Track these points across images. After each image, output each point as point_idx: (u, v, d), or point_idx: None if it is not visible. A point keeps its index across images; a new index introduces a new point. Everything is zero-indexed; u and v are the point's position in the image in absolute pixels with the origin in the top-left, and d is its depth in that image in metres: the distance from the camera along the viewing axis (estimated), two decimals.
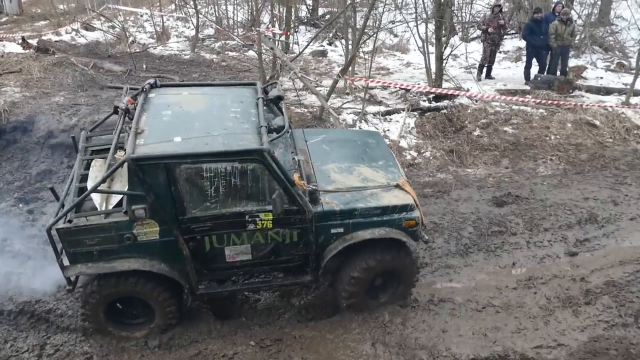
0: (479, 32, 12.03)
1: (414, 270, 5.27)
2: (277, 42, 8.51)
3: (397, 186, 5.14)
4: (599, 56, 14.68)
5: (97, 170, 4.90)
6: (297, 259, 4.94)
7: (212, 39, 15.42)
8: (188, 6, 16.28)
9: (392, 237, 4.89)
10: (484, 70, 11.91)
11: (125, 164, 4.18)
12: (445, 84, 10.61)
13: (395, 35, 16.24)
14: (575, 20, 16.55)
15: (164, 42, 14.64)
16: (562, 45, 11.04)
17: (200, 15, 14.38)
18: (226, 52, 13.79)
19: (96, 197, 4.59)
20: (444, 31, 10.73)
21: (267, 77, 8.03)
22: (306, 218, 4.65)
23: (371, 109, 9.57)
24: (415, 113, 9.65)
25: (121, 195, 4.54)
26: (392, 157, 5.85)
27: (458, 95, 10.05)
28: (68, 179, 5.16)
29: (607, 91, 10.80)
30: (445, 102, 9.93)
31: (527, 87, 10.91)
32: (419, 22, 11.22)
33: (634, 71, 12.96)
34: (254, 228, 4.60)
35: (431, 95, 10.04)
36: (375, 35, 10.58)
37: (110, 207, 4.58)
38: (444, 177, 8.21)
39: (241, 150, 4.35)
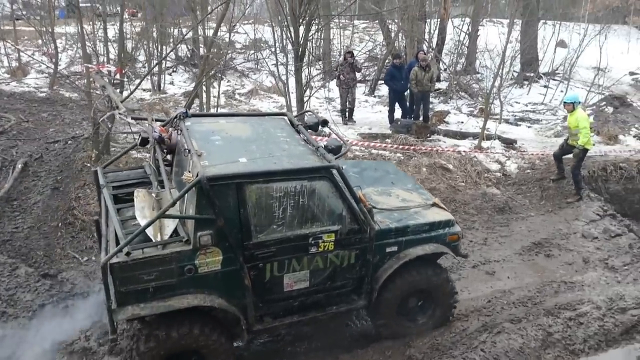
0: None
1: (450, 289, 5.11)
2: (111, 80, 7.53)
3: (434, 204, 5.23)
4: (465, 102, 15.18)
5: (141, 200, 4.26)
6: (352, 284, 4.71)
7: (78, 76, 14.11)
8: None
9: (441, 251, 4.93)
10: (347, 113, 11.70)
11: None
12: None
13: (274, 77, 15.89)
14: (446, 68, 17.28)
15: (19, 78, 13.14)
16: (422, 90, 11.11)
17: (64, 51, 13.12)
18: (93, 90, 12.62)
19: (149, 229, 3.97)
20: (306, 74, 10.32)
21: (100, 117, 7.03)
22: (365, 237, 4.49)
23: None
24: None
25: (174, 227, 4.05)
26: (415, 181, 5.99)
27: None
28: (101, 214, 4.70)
29: (463, 135, 10.93)
30: None
31: (389, 131, 10.75)
32: (279, 63, 10.78)
33: (495, 116, 13.49)
34: (316, 251, 4.36)
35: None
36: (217, 72, 9.99)
37: (166, 238, 4.03)
38: None
39: (313, 168, 4.21)
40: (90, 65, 7.70)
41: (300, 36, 9.61)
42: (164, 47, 15.36)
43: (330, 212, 4.35)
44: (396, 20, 15.80)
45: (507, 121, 12.87)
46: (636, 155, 9.58)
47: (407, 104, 11.66)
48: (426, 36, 16.48)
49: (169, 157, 5.04)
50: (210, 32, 15.63)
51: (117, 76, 7.76)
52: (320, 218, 4.33)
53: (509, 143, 10.73)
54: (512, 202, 8.58)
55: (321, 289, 4.58)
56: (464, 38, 17.05)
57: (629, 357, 4.95)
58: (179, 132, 4.72)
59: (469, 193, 8.80)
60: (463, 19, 17.56)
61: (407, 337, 4.93)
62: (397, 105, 11.57)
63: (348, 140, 6.39)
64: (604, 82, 16.43)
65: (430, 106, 14.54)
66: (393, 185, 5.57)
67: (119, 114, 6.71)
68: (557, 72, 17.77)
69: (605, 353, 5.11)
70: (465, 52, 17.54)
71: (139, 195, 4.33)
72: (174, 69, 16.40)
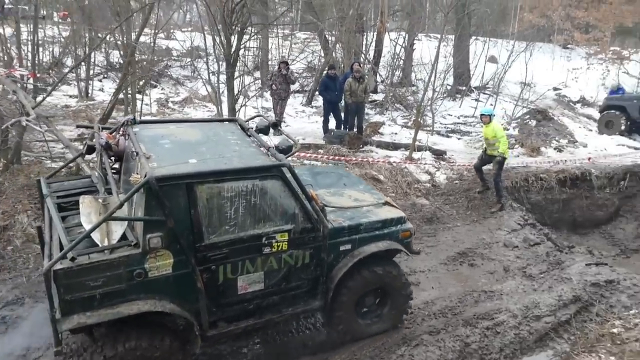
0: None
1: (405, 286, 5.14)
2: (24, 85, 7.04)
3: (386, 203, 5.32)
4: (400, 113, 15.43)
5: (87, 206, 4.09)
6: (307, 284, 4.64)
7: None
8: None
9: (394, 248, 4.96)
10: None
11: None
12: None
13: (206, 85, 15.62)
14: (382, 80, 17.54)
15: None
16: (356, 101, 11.14)
17: None
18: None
19: (96, 234, 3.80)
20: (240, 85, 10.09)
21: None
22: (319, 236, 4.46)
23: None
24: None
25: (122, 231, 3.88)
26: (366, 183, 6.10)
27: None
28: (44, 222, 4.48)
29: (395, 146, 11.05)
30: None
31: (323, 142, 10.70)
32: (210, 71, 10.52)
33: (427, 128, 13.76)
34: (269, 251, 4.28)
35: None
36: (149, 79, 9.63)
37: (113, 242, 3.84)
38: None
39: (264, 166, 4.18)
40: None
41: (233, 44, 9.42)
42: (94, 52, 14.71)
43: (282, 212, 4.30)
44: (334, 32, 15.90)
45: (438, 133, 13.19)
46: (555, 167, 10.01)
47: (342, 114, 11.65)
48: (363, 48, 16.69)
49: (117, 165, 4.92)
50: (145, 39, 15.15)
51: (31, 80, 7.26)
52: (273, 218, 4.27)
53: (439, 154, 10.95)
54: (439, 213, 8.70)
55: (276, 291, 4.49)
56: (400, 51, 17.40)
57: None
58: (127, 137, 4.58)
59: (398, 203, 8.66)
60: (400, 33, 17.94)
61: (324, 352, 4.79)
62: (331, 115, 11.53)
63: (298, 140, 6.37)
64: (530, 96, 17.21)
65: (366, 117, 14.68)
66: (345, 186, 5.60)
67: (27, 120, 6.31)
68: (487, 86, 18.47)
69: None
70: (402, 65, 17.93)
71: (85, 201, 4.16)
72: (105, 75, 15.71)
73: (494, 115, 9.04)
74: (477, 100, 17.24)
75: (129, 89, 9.52)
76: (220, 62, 9.81)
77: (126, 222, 3.96)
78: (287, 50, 17.02)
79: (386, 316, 5.21)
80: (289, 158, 4.53)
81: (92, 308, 3.66)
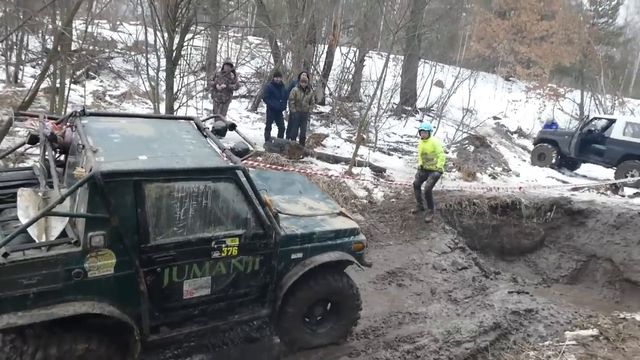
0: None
1: (355, 297, 5.10)
2: None
3: (341, 213, 5.30)
4: (345, 127, 15.42)
5: (26, 199, 3.69)
6: (255, 292, 4.51)
7: None
8: None
9: (346, 259, 4.91)
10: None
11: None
12: None
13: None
14: (330, 93, 17.51)
15: None
16: (300, 111, 10.98)
17: None
18: None
19: (33, 229, 3.51)
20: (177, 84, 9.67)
21: None
22: (271, 243, 4.38)
23: None
24: None
25: (63, 228, 3.62)
26: (321, 192, 6.09)
27: None
28: None
29: (336, 160, 10.95)
30: None
31: (262, 149, 10.43)
32: (149, 66, 10.03)
33: (370, 144, 13.78)
34: (219, 256, 4.13)
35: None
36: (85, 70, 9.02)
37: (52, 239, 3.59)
38: None
39: (217, 168, 4.05)
40: None
41: (175, 41, 9.03)
42: (28, 36, 13.82)
43: (234, 216, 4.18)
44: (286, 40, 15.74)
45: (380, 150, 13.25)
46: (488, 193, 10.23)
47: (285, 123, 11.45)
48: (314, 59, 16.62)
49: (61, 158, 4.65)
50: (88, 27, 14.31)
51: None
52: (224, 221, 4.14)
53: (378, 171, 10.94)
54: (374, 230, 8.63)
55: (223, 297, 4.33)
56: (349, 66, 17.47)
57: None
58: (74, 129, 4.35)
59: None
60: (351, 48, 18.04)
61: None
62: (274, 124, 11.30)
63: (255, 144, 6.24)
64: (471, 122, 17.73)
65: (310, 128, 14.56)
66: (300, 194, 5.54)
67: None
68: (432, 108, 18.89)
69: None
70: (351, 80, 18.02)
71: (23, 194, 3.77)
72: (39, 62, 14.74)
73: (432, 132, 9.26)
74: (421, 121, 17.56)
75: (65, 77, 8.84)
76: (162, 58, 9.37)
77: (67, 219, 3.69)
78: (236, 53, 16.65)
79: (334, 327, 5.16)
80: (244, 161, 4.46)
81: (25, 308, 3.41)
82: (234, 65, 11.55)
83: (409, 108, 18.07)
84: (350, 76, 17.96)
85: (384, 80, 12.58)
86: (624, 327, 5.15)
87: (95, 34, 17.10)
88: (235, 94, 16.40)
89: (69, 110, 9.66)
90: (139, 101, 13.40)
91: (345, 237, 4.96)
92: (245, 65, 18.45)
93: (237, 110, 14.92)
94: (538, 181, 12.43)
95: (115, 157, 3.78)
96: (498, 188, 10.44)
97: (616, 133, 13.59)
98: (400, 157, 13.13)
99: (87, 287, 3.62)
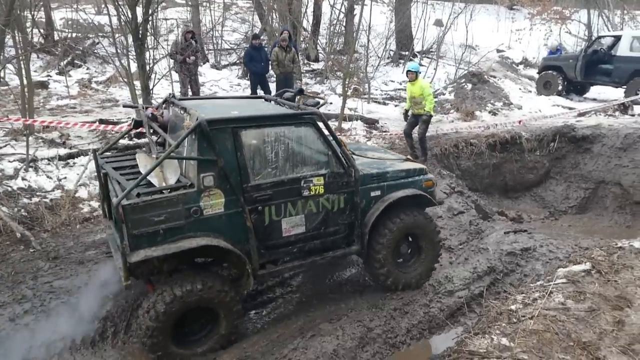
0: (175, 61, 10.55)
1: (436, 231, 5.56)
2: None
3: (407, 159, 5.75)
4: (341, 82, 14.88)
5: (143, 161, 4.50)
6: (344, 229, 4.92)
7: None
8: None
9: (420, 194, 5.23)
10: None
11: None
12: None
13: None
14: (324, 48, 16.87)
15: None
16: (284, 72, 10.54)
17: None
18: None
19: (153, 178, 4.16)
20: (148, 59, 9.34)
21: None
22: (352, 181, 4.77)
23: (48, 152, 7.67)
24: (109, 153, 7.99)
25: (177, 177, 4.22)
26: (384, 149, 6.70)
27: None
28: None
29: (327, 117, 10.50)
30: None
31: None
32: (119, 48, 9.70)
33: (364, 96, 13.30)
34: (308, 194, 4.58)
35: (134, 132, 8.52)
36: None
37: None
38: None
39: (297, 114, 4.51)
40: None
41: (139, 16, 8.66)
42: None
43: (317, 157, 4.61)
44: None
45: (375, 100, 12.75)
46: (486, 131, 9.75)
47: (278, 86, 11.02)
48: (301, 15, 15.96)
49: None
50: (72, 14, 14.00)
51: None
52: (309, 162, 4.59)
53: (370, 123, 10.53)
54: None
55: (316, 235, 4.75)
56: (339, 16, 16.71)
57: (448, 343, 4.76)
58: (170, 108, 5.06)
59: None
60: None
61: (214, 352, 4.38)
62: (260, 88, 10.92)
63: (324, 97, 6.82)
64: (473, 59, 16.90)
65: (305, 87, 14.11)
66: (368, 151, 5.92)
67: None
68: (431, 50, 18.05)
69: (427, 340, 4.91)
70: (343, 32, 17.28)
71: (140, 157, 4.56)
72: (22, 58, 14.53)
73: (419, 73, 8.74)
74: (420, 65, 16.83)
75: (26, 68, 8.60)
76: (128, 36, 9.02)
77: (179, 170, 4.26)
78: (221, 20, 16.10)
79: (420, 264, 5.46)
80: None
81: (157, 243, 3.92)
82: (194, 32, 10.93)
83: (406, 53, 17.31)
84: (342, 28, 17.21)
85: (369, 28, 11.96)
86: (619, 258, 4.79)
87: (81, 20, 16.79)
88: (225, 62, 16.07)
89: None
90: (126, 84, 13.13)
91: (415, 175, 5.33)
92: (235, 32, 17.98)
93: (227, 79, 14.55)
94: (542, 111, 11.80)
95: (212, 113, 4.26)
96: (496, 125, 9.93)
97: (623, 50, 12.71)
98: (396, 106, 12.60)
99: (203, 224, 4.12)
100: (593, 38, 14.82)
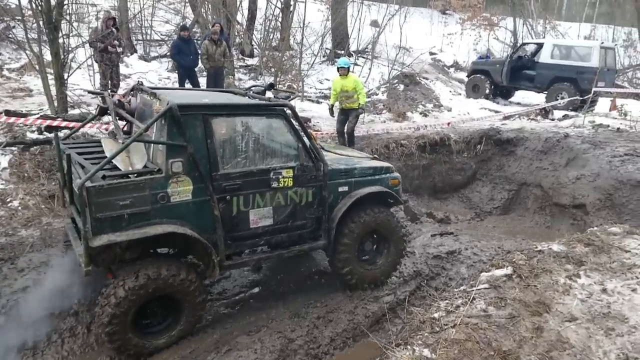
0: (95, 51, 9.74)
1: (398, 228, 5.65)
2: None
3: (374, 158, 5.88)
4: (276, 79, 14.53)
5: (109, 145, 4.46)
6: (311, 224, 4.90)
7: None
8: None
9: (386, 191, 5.30)
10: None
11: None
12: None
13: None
14: (259, 45, 16.43)
15: None
16: (215, 66, 10.05)
17: None
18: None
19: (120, 162, 4.07)
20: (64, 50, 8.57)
21: None
22: (320, 175, 4.76)
23: None
24: (14, 149, 7.23)
25: (144, 163, 4.12)
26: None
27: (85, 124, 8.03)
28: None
29: None
30: (62, 133, 7.74)
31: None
32: (29, 33, 8.85)
33: (298, 94, 13.01)
34: (277, 186, 4.55)
35: (44, 125, 7.76)
36: None
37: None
38: (29, 233, 6.03)
39: (269, 104, 4.51)
40: None
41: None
42: None
43: (287, 149, 4.59)
44: None
45: (309, 99, 12.52)
46: (417, 132, 9.77)
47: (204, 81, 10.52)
48: (235, 8, 15.43)
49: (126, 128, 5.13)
50: None
51: None
52: (279, 154, 4.57)
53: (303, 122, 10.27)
54: None
55: (284, 228, 4.72)
56: (275, 12, 16.34)
57: (371, 353, 4.58)
58: (137, 95, 4.98)
59: None
60: None
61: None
62: (188, 83, 10.35)
63: (295, 92, 6.96)
64: (407, 60, 17.10)
65: (237, 83, 13.63)
66: (334, 148, 5.97)
67: None
68: (366, 50, 18.09)
69: (351, 350, 4.71)
70: (279, 28, 16.92)
71: (106, 142, 4.51)
72: None
73: (350, 68, 8.74)
74: (355, 64, 16.80)
75: None
76: (40, 22, 8.21)
77: (146, 156, 4.16)
78: (152, 10, 15.25)
79: (385, 261, 5.47)
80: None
81: (120, 228, 3.80)
82: (115, 19, 10.17)
83: (342, 52, 17.23)
84: (278, 24, 16.84)
85: (303, 24, 11.70)
86: (538, 262, 4.81)
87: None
88: (154, 53, 15.24)
89: None
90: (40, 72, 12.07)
91: (382, 173, 5.37)
92: (168, 24, 17.13)
93: (157, 72, 13.80)
94: (470, 114, 12.05)
95: (184, 100, 4.16)
96: (426, 126, 9.98)
97: (544, 57, 13.26)
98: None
99: (170, 211, 4.02)
100: (518, 45, 15.39)
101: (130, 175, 3.94)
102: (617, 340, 3.76)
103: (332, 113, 8.76)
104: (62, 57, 8.31)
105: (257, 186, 4.44)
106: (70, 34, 8.79)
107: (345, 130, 8.62)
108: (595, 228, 5.78)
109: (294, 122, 4.59)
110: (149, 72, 13.45)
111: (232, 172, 4.30)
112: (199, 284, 4.25)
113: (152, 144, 4.22)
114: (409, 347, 3.74)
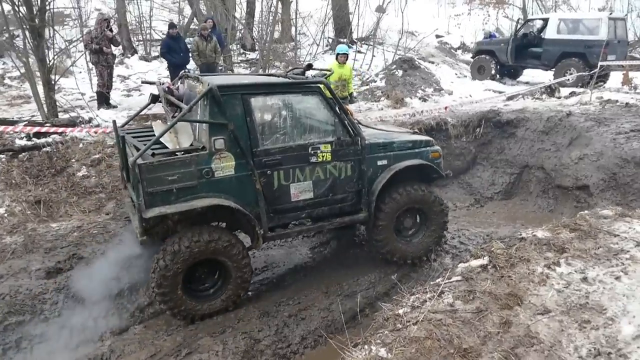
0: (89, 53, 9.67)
1: (441, 205, 5.62)
2: None
3: (415, 132, 5.90)
4: (277, 71, 14.35)
5: (160, 127, 4.80)
6: (351, 198, 4.97)
7: None
8: None
9: (426, 164, 5.27)
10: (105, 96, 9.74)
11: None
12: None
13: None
14: (260, 38, 16.26)
15: None
16: (206, 62, 9.95)
17: None
18: None
19: (168, 142, 4.42)
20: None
21: None
22: (358, 149, 4.82)
23: None
24: (3, 156, 7.28)
25: (191, 142, 4.41)
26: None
27: (75, 129, 8.07)
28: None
29: None
30: (51, 138, 7.78)
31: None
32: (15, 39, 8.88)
33: None
34: (316, 161, 4.66)
35: (33, 131, 7.79)
36: None
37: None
38: (13, 240, 6.06)
39: (304, 82, 4.69)
40: None
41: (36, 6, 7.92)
42: None
43: (324, 125, 4.71)
44: None
45: None
46: (412, 119, 9.46)
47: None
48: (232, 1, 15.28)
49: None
50: None
51: None
52: (317, 130, 4.70)
53: None
54: None
55: (324, 201, 4.83)
56: (270, 5, 16.11)
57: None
58: (185, 82, 5.29)
59: None
60: None
61: None
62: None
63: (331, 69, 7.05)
64: (412, 45, 16.66)
65: None
66: (374, 124, 6.20)
67: None
68: (370, 36, 17.71)
69: (323, 348, 4.54)
70: (279, 20, 16.71)
71: (157, 125, 4.86)
72: None
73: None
74: (358, 51, 16.47)
75: None
76: (25, 28, 8.22)
77: (192, 136, 4.42)
78: (150, 11, 15.24)
79: (426, 235, 5.49)
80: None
81: (170, 202, 4.10)
82: (109, 19, 10.11)
83: (344, 40, 16.90)
84: (278, 16, 16.62)
85: (297, 12, 11.45)
86: (517, 250, 4.52)
87: None
88: (155, 53, 15.23)
89: None
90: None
91: (422, 147, 5.35)
92: (167, 22, 17.09)
93: (156, 71, 13.79)
94: (473, 96, 11.63)
95: (224, 82, 4.41)
96: (422, 112, 9.66)
97: (550, 32, 12.68)
98: None
99: (215, 185, 4.27)
100: (518, 21, 14.79)
101: (177, 153, 4.22)
102: (592, 333, 3.48)
103: None
104: (48, 62, 8.32)
105: (296, 161, 4.59)
106: (64, 39, 8.81)
107: None
108: (586, 212, 5.44)
109: (330, 99, 4.67)
110: (148, 72, 13.45)
111: (272, 147, 4.47)
112: (242, 248, 4.48)
113: (198, 124, 4.43)
114: (366, 346, 3.55)
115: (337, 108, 4.70)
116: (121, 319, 4.77)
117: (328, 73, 5.78)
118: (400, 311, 3.90)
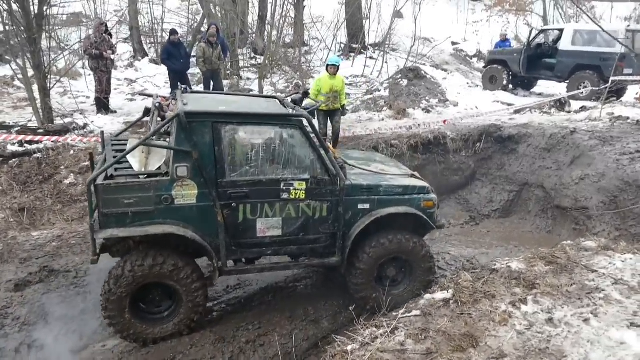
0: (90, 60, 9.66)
1: (428, 257, 5.12)
2: None
3: (413, 175, 5.32)
4: (285, 77, 14.28)
5: (132, 144, 4.48)
6: (325, 240, 4.71)
7: None
8: None
9: (413, 213, 4.87)
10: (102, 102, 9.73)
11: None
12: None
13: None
14: (272, 42, 16.18)
15: None
16: (211, 69, 9.93)
17: None
18: None
19: (134, 162, 4.31)
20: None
21: None
22: (336, 189, 4.55)
23: None
24: None
25: (159, 165, 4.34)
26: (397, 162, 6.18)
27: (70, 133, 8.13)
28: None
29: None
30: (42, 144, 7.84)
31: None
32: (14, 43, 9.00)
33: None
34: (287, 198, 4.44)
35: (26, 139, 7.86)
36: None
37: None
38: None
39: (284, 114, 4.42)
40: None
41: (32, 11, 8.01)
42: None
43: (301, 161, 4.46)
44: None
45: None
46: (409, 132, 9.22)
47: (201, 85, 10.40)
48: (245, 6, 15.26)
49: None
50: None
51: None
52: (292, 165, 4.45)
53: None
54: None
55: (294, 240, 4.60)
56: (283, 9, 16.02)
57: None
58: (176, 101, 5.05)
59: None
60: None
61: None
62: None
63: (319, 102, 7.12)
64: (426, 52, 16.36)
65: (244, 82, 13.48)
66: (375, 162, 5.62)
67: None
68: (386, 43, 17.46)
69: None
70: (292, 24, 16.62)
71: (132, 141, 4.64)
72: None
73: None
74: (370, 58, 16.24)
75: None
76: (21, 35, 8.31)
77: (163, 158, 4.32)
78: (160, 14, 15.34)
79: (407, 289, 5.07)
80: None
81: (125, 225, 4.02)
82: (106, 24, 10.13)
83: (357, 45, 16.71)
84: (291, 20, 16.54)
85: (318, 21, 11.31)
86: (484, 284, 4.29)
87: None
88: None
89: None
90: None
91: (414, 193, 4.94)
92: (184, 26, 17.18)
93: (164, 74, 13.81)
94: (479, 108, 11.28)
95: (200, 107, 4.37)
96: (419, 125, 9.40)
97: (565, 44, 12.22)
98: None
99: (174, 213, 4.14)
100: (531, 31, 14.31)
101: (140, 176, 4.13)
102: None
103: (316, 115, 8.34)
104: (44, 68, 8.40)
105: (265, 196, 4.38)
106: (60, 45, 8.89)
107: (332, 131, 8.29)
108: (567, 242, 5.15)
109: (310, 133, 4.43)
110: (156, 76, 13.53)
111: (240, 180, 4.29)
112: (191, 272, 4.30)
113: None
114: None
115: (317, 144, 4.45)
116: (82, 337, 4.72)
117: (317, 105, 5.66)
118: (349, 347, 3.73)
